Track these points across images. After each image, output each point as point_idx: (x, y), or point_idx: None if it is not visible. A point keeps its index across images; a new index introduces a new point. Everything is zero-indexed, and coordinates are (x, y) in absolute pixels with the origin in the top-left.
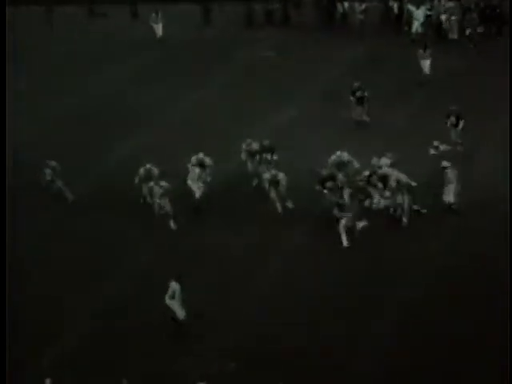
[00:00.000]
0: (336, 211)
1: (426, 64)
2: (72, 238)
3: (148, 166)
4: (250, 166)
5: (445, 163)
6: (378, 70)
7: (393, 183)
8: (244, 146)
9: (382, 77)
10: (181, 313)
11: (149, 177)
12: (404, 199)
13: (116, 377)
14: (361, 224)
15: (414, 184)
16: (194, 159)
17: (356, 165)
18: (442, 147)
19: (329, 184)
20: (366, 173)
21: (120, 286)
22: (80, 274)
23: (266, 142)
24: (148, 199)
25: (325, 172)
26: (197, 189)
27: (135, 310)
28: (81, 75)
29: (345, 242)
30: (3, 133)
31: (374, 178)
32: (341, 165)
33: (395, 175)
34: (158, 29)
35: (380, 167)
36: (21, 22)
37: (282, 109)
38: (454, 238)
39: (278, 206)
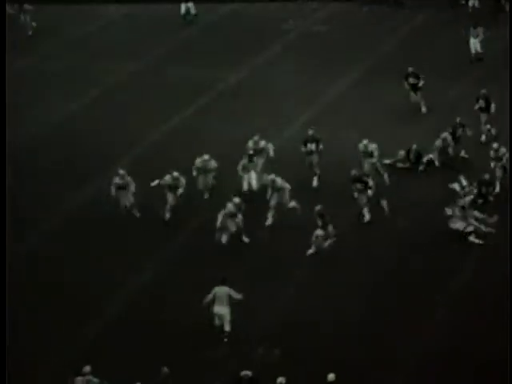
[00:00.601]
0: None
1: (475, 42)
2: (86, 237)
3: (175, 174)
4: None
5: None
6: (430, 46)
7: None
8: (251, 144)
9: (433, 53)
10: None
11: (176, 184)
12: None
13: (154, 365)
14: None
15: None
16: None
17: (377, 158)
18: (503, 149)
19: (358, 185)
20: (402, 152)
21: (146, 283)
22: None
23: (311, 132)
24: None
25: (356, 172)
26: (245, 180)
27: (160, 306)
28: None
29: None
30: (3, 133)
31: (412, 156)
32: (366, 154)
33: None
34: (192, 8)
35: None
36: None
37: (327, 88)
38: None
39: (270, 216)
